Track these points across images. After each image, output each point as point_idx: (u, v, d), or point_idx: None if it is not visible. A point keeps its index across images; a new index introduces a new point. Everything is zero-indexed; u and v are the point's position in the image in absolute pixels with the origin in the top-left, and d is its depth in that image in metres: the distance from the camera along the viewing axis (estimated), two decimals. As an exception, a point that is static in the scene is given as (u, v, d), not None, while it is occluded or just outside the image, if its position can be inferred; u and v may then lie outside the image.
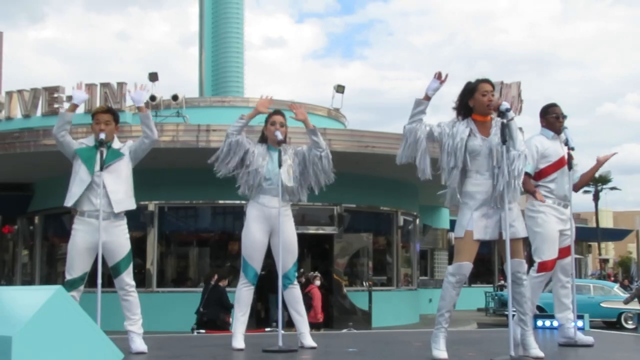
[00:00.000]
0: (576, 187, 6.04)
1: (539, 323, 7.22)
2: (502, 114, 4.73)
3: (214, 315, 12.45)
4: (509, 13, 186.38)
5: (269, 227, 5.56)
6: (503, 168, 4.66)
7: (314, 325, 14.93)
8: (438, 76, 4.80)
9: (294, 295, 5.66)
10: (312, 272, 16.28)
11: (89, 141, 5.53)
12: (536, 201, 5.71)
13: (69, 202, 5.40)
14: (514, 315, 4.73)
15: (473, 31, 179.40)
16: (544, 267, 5.67)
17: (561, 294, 5.94)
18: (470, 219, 4.75)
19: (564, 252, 5.82)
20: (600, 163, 6.13)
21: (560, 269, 5.86)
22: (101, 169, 5.28)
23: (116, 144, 5.56)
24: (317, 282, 15.22)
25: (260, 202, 5.60)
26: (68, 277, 5.32)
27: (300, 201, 5.83)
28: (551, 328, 7.15)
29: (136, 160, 5.58)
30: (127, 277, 5.41)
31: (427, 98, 4.82)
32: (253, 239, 5.58)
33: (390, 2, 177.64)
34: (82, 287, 5.32)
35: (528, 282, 4.93)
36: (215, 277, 13.05)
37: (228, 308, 12.28)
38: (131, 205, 5.48)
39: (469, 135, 4.80)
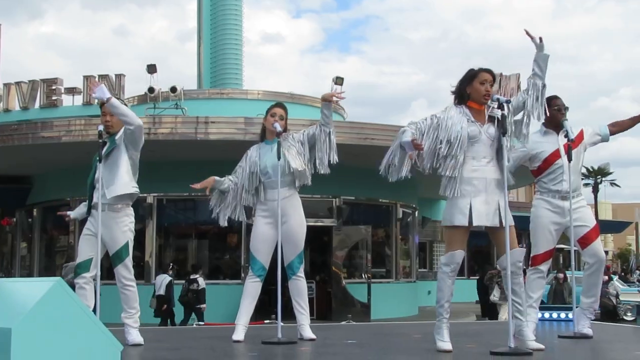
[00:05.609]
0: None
1: (539, 315, 7.21)
2: (501, 105, 4.72)
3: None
4: (502, 9, 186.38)
5: (277, 219, 5.50)
6: (503, 156, 4.64)
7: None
8: (416, 145, 4.71)
9: (297, 287, 5.65)
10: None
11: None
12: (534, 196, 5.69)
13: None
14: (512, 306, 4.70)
15: (467, 27, 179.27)
16: (534, 260, 5.67)
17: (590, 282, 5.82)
18: (466, 206, 4.67)
19: (585, 240, 5.68)
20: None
21: (588, 256, 5.70)
22: (99, 160, 5.31)
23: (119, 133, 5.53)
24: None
25: (266, 198, 5.62)
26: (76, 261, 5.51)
27: (308, 185, 5.78)
28: (550, 320, 7.16)
29: (134, 145, 5.44)
30: (123, 269, 5.40)
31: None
32: (259, 231, 5.60)
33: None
34: (86, 274, 5.34)
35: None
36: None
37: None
38: (124, 189, 5.37)
39: (467, 122, 4.75)
